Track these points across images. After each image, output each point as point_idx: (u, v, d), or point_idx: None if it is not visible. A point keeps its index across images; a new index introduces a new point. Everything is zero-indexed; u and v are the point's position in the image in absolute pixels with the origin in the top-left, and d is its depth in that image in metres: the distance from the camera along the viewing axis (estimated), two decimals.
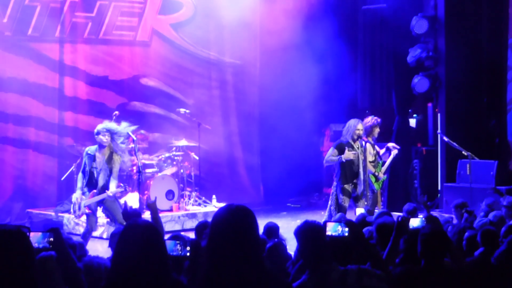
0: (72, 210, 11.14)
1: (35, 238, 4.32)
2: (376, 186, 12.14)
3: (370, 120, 12.10)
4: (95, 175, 10.79)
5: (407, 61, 15.50)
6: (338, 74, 17.58)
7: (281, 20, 16.93)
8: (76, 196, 10.81)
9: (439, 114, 15.73)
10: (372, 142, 12.03)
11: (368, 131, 11.93)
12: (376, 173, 12.06)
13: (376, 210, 11.10)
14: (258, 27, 17.50)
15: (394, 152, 12.51)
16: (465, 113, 15.56)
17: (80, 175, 10.96)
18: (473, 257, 6.40)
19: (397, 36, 16.00)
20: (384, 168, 12.29)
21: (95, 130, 10.89)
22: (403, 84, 15.90)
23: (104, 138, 10.74)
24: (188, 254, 4.64)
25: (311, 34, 16.69)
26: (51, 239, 4.30)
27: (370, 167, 11.97)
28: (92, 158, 10.79)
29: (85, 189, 10.81)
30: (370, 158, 11.99)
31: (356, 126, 11.46)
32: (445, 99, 15.42)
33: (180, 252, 4.64)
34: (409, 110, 17.10)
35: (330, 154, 11.51)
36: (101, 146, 10.82)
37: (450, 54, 15.39)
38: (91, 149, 10.92)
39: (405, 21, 15.49)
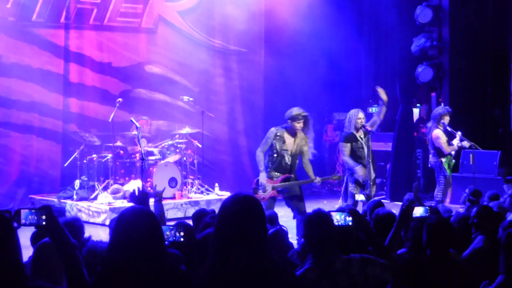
0: (255, 191, 10.33)
1: (24, 214, 4.26)
2: (448, 171, 12.63)
3: (440, 108, 12.88)
4: (286, 159, 10.33)
5: (411, 51, 15.49)
6: (342, 62, 17.56)
7: (285, 8, 16.89)
8: (263, 177, 10.21)
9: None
10: (443, 129, 12.57)
11: (438, 119, 12.59)
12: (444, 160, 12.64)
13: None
14: (263, 15, 17.46)
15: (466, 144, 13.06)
16: (469, 103, 15.56)
17: (262, 155, 10.32)
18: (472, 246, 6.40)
19: (402, 25, 15.99)
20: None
21: (289, 115, 10.39)
22: (407, 73, 15.89)
23: (299, 125, 10.31)
24: (181, 239, 4.65)
25: (315, 23, 16.64)
26: (43, 216, 4.25)
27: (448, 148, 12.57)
28: (282, 140, 10.34)
29: (275, 174, 10.32)
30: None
31: (357, 115, 11.30)
32: (449, 88, 15.43)
33: (173, 238, 4.64)
34: (413, 100, 17.08)
35: (346, 154, 11.24)
36: (290, 129, 10.38)
37: (454, 43, 15.39)
38: (280, 130, 10.37)
39: (410, 10, 15.47)
